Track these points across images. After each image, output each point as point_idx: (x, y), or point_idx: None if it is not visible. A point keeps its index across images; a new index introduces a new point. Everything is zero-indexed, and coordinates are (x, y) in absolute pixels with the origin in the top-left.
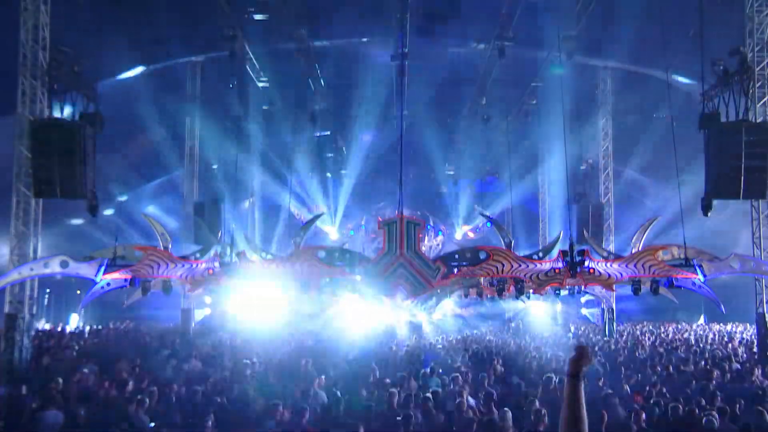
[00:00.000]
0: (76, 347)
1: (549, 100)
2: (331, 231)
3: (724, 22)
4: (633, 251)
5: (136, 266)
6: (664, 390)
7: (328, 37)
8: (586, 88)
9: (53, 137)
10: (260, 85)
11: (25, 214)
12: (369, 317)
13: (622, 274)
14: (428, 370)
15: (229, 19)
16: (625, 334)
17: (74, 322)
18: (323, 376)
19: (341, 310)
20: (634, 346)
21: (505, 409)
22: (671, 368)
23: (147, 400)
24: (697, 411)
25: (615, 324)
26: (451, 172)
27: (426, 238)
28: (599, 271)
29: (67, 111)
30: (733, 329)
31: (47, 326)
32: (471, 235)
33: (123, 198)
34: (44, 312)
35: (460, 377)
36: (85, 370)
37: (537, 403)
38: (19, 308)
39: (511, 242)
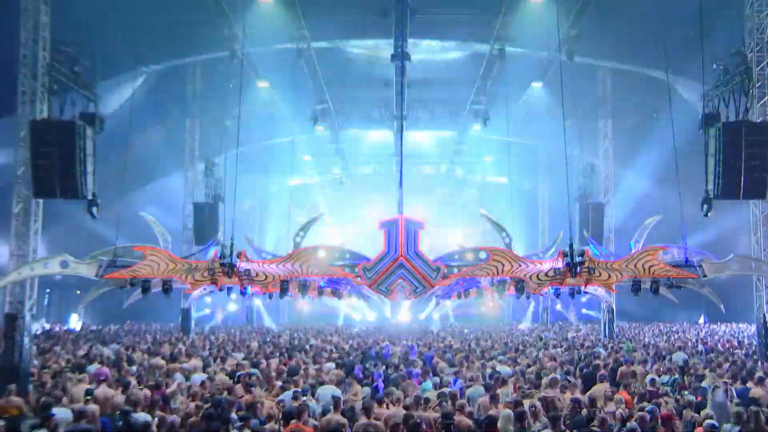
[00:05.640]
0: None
1: (549, 100)
2: (332, 231)
3: (724, 22)
4: (633, 251)
5: (136, 266)
6: None
7: (328, 37)
8: (586, 88)
9: (53, 137)
10: (260, 85)
11: (25, 214)
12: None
13: (622, 274)
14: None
15: (229, 19)
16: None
17: (74, 322)
18: None
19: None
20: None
21: (507, 410)
22: None
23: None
24: None
25: (615, 324)
26: (452, 171)
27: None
28: (599, 271)
29: (67, 111)
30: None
31: (46, 326)
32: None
33: (123, 198)
34: (44, 312)
35: None
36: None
37: None
38: (19, 308)
39: (510, 242)
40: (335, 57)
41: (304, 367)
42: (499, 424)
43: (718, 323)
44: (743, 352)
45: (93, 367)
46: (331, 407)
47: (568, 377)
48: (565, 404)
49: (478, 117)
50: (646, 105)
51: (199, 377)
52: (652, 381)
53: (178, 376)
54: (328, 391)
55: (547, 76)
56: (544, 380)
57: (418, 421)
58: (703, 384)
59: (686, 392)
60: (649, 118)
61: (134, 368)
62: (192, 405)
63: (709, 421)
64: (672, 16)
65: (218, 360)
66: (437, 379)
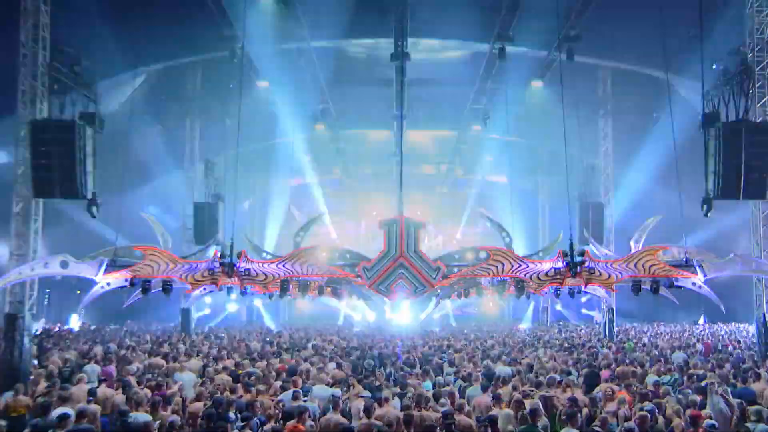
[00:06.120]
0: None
1: (549, 100)
2: (331, 231)
3: (724, 22)
4: (633, 251)
5: (136, 266)
6: None
7: (328, 37)
8: (586, 88)
9: (53, 137)
10: (260, 85)
11: (25, 214)
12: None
13: (622, 274)
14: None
15: (229, 19)
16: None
17: (74, 322)
18: None
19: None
20: None
21: (507, 410)
22: None
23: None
24: None
25: (615, 324)
26: (452, 171)
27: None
28: (599, 271)
29: (67, 111)
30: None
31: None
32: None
33: (123, 198)
34: (44, 312)
35: None
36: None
37: None
38: (19, 308)
39: (510, 242)
40: (335, 57)
41: (304, 367)
42: (499, 424)
43: (718, 323)
44: (742, 352)
45: (90, 367)
46: (331, 407)
47: (569, 377)
48: (564, 404)
49: (478, 117)
50: (646, 105)
51: (188, 378)
52: (656, 383)
53: (178, 376)
54: (322, 391)
55: (547, 76)
56: (544, 380)
57: (434, 423)
58: (703, 384)
59: (688, 392)
60: (649, 118)
61: (134, 368)
62: (199, 405)
63: (708, 420)
64: (672, 16)
65: (217, 360)
66: (440, 379)
